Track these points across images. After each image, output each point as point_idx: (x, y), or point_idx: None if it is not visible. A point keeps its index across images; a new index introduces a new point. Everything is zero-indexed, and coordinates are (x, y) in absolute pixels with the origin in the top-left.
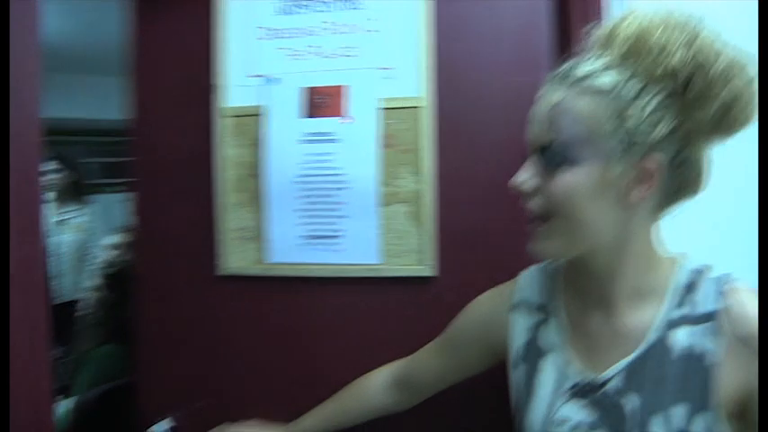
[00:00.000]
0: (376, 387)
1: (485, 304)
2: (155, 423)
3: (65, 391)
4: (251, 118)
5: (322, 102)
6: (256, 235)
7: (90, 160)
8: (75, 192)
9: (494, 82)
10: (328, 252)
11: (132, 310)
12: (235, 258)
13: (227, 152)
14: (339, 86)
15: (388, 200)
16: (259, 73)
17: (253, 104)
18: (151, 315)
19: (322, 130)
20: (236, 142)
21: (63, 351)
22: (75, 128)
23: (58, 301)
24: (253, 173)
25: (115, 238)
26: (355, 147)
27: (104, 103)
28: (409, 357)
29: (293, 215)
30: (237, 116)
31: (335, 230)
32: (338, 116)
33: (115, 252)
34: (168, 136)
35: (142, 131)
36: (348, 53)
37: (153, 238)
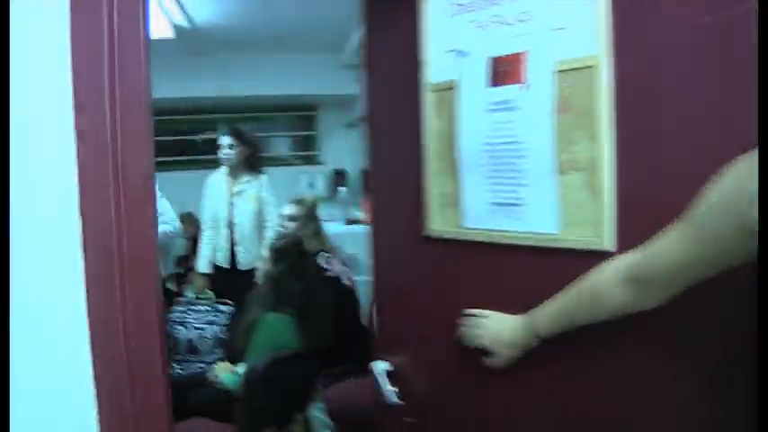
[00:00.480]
0: (609, 286)
1: (744, 164)
2: (375, 361)
3: (238, 357)
4: (448, 91)
5: (504, 70)
6: (454, 200)
7: (276, 135)
8: (250, 165)
9: (681, 26)
10: (512, 219)
11: (303, 282)
12: (437, 222)
13: (431, 124)
14: (518, 53)
15: (564, 167)
16: (453, 48)
17: (449, 78)
18: (377, 271)
19: (504, 99)
20: (437, 114)
21: (236, 317)
22: (263, 104)
23: (235, 269)
24: (450, 143)
25: (291, 209)
26: (532, 113)
27: (293, 79)
28: (646, 247)
29: (483, 182)
30: (438, 90)
31: (517, 198)
32: (517, 83)
33: (290, 223)
34: (390, 109)
35: (372, 106)
36: (526, 18)
37: (380, 201)
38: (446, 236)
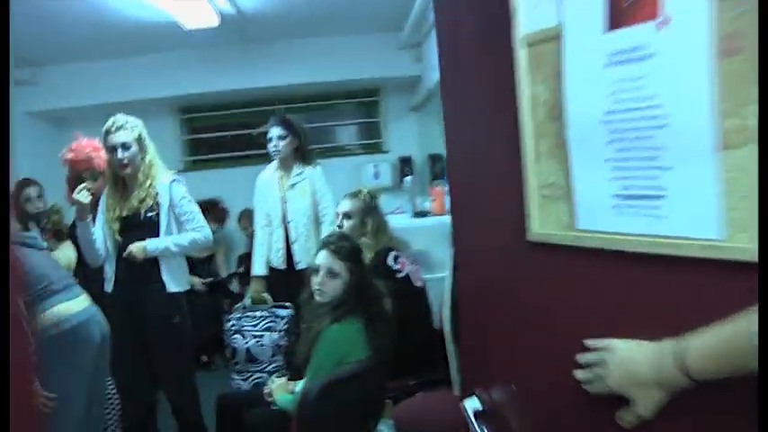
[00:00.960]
0: None
1: None
2: (466, 398)
3: (301, 368)
4: (549, 43)
5: (630, 3)
6: (565, 193)
7: (337, 123)
8: (302, 156)
9: None
10: (647, 218)
11: (370, 285)
12: (543, 222)
13: (528, 90)
14: None
15: (733, 140)
16: None
17: (550, 25)
18: (466, 281)
19: (631, 45)
20: (535, 77)
21: (295, 321)
22: (321, 92)
23: (292, 270)
24: (556, 114)
25: (345, 205)
26: (676, 62)
27: (350, 63)
28: None
29: (604, 167)
30: (535, 43)
31: (656, 188)
32: (651, 20)
33: (345, 221)
34: (470, 76)
35: (447, 74)
36: None
37: (465, 194)
38: (553, 240)
